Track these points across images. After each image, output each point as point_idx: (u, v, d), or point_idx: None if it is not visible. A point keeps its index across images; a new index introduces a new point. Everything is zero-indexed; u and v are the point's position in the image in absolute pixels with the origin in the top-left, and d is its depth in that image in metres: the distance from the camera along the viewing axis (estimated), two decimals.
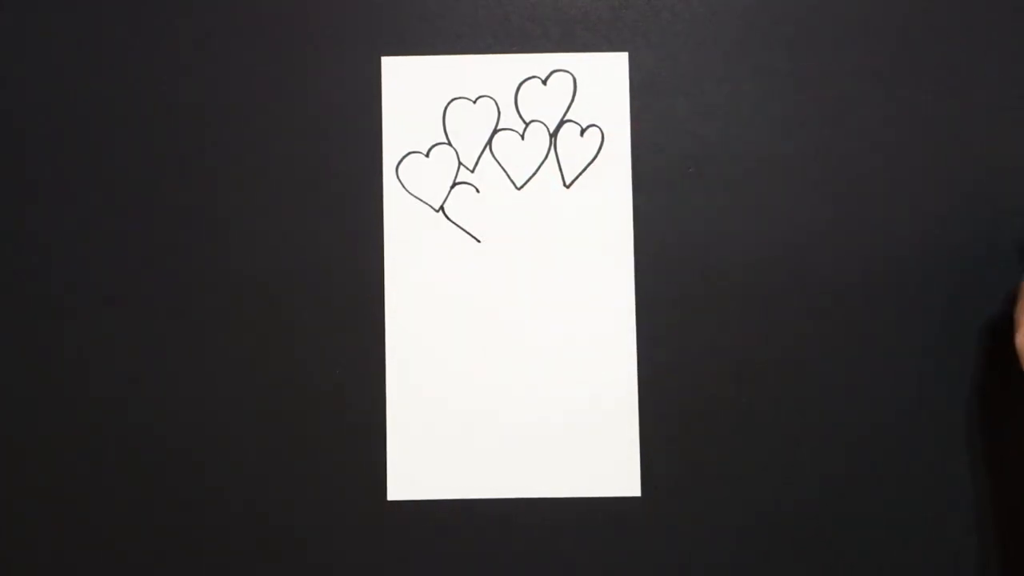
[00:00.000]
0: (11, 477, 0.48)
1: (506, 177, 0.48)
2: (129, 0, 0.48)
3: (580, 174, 0.48)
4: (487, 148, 0.48)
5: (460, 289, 0.48)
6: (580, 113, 0.48)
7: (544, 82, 0.48)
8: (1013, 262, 0.47)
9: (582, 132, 0.48)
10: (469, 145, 0.48)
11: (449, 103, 0.48)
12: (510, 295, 0.48)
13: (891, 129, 0.48)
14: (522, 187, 0.48)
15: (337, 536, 0.47)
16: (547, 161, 0.48)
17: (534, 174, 0.48)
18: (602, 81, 0.48)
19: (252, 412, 0.48)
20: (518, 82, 0.48)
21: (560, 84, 0.48)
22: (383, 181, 0.48)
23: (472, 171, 0.48)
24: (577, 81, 0.48)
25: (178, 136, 0.48)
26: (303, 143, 0.48)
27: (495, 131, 0.48)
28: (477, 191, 0.48)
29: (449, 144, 0.48)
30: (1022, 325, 0.39)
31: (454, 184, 0.48)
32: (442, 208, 0.48)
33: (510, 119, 0.48)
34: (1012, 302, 0.44)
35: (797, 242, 0.48)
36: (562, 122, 0.48)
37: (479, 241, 0.48)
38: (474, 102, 0.48)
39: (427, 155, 0.48)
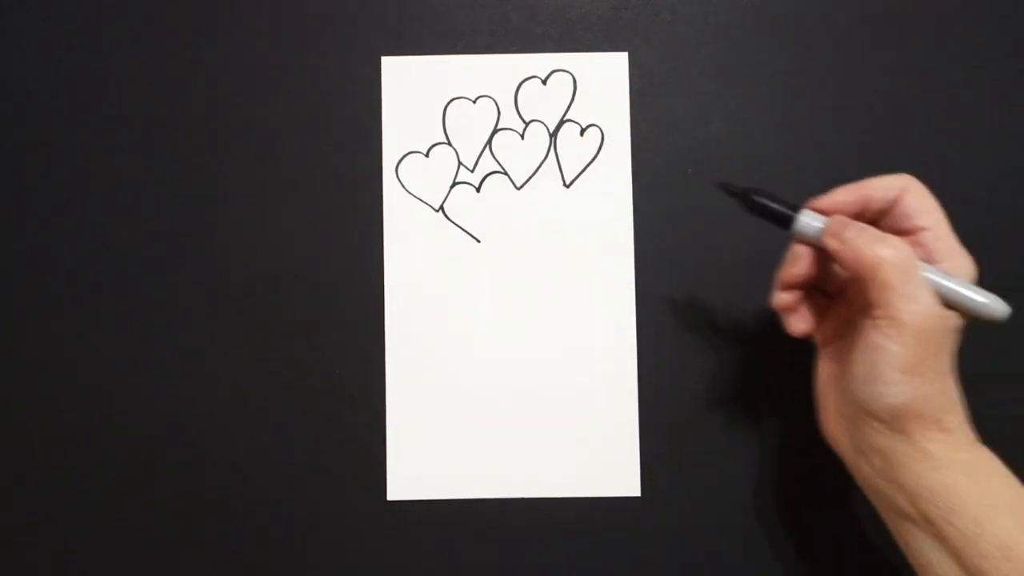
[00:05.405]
0: (11, 477, 0.48)
1: (506, 177, 0.48)
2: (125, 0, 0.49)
3: (580, 174, 0.48)
4: (487, 148, 0.48)
5: (460, 289, 0.48)
6: (580, 113, 0.48)
7: (544, 82, 0.48)
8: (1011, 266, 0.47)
9: (582, 132, 0.48)
10: (469, 145, 0.48)
11: (449, 103, 0.48)
12: (510, 295, 0.48)
13: (892, 129, 0.48)
14: (522, 187, 0.48)
15: (336, 536, 0.47)
16: (547, 161, 0.48)
17: (534, 174, 0.48)
18: (602, 81, 0.48)
19: (251, 412, 0.48)
20: (518, 82, 0.48)
21: (560, 84, 0.48)
22: (383, 181, 0.48)
23: (472, 171, 0.48)
24: (577, 81, 0.48)
25: (175, 136, 0.48)
26: (302, 143, 0.48)
27: (495, 131, 0.48)
28: (477, 191, 0.48)
29: (449, 144, 0.48)
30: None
31: (454, 184, 0.48)
32: (442, 208, 0.48)
33: (510, 119, 0.48)
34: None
35: None
36: (562, 122, 0.48)
37: (479, 241, 0.48)
38: (474, 102, 0.48)
39: (427, 155, 0.48)
